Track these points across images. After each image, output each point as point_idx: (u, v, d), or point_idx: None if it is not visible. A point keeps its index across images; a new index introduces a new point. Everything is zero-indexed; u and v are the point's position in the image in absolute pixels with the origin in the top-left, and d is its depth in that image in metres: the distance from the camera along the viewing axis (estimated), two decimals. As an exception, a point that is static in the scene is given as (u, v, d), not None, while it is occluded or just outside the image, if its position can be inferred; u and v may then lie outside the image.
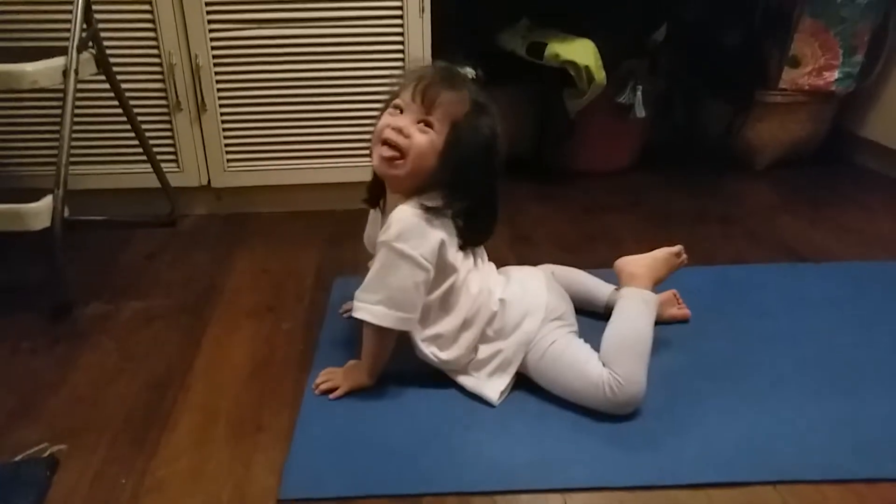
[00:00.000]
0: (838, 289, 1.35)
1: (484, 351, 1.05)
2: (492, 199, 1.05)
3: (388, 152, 0.99)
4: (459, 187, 1.00)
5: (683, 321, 1.24)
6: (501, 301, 1.06)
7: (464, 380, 1.05)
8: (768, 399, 1.03)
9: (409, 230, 0.97)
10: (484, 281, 1.07)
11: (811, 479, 0.88)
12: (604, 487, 0.88)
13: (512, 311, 1.05)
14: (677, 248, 1.14)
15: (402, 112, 1.00)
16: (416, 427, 0.98)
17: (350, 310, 1.09)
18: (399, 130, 0.98)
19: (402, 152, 0.98)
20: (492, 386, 1.03)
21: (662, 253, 1.14)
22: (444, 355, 1.04)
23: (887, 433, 0.95)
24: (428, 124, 0.99)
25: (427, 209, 0.99)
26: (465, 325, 1.04)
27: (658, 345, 1.06)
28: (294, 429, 0.98)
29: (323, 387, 1.05)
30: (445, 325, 1.04)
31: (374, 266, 1.00)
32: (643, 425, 0.98)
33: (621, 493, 0.87)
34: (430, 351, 1.04)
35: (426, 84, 0.99)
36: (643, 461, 0.91)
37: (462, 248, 1.04)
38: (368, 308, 1.00)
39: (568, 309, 1.11)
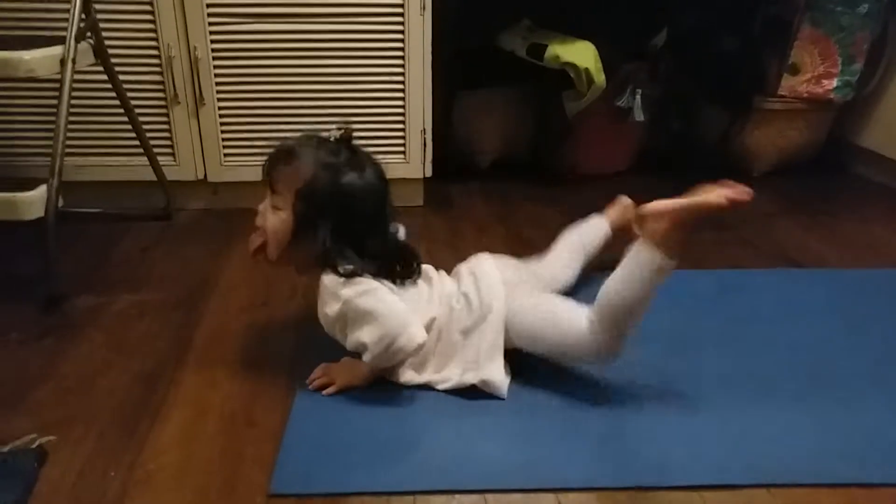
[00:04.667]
0: (832, 296, 1.35)
1: (468, 346, 1.05)
2: (383, 244, 1.03)
3: (253, 244, 1.05)
4: (340, 247, 0.99)
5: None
6: (464, 294, 1.07)
7: (465, 377, 1.03)
8: (762, 403, 1.02)
9: (348, 281, 0.98)
10: (440, 292, 1.09)
11: (804, 483, 0.87)
12: (597, 487, 0.87)
13: (475, 300, 1.06)
14: (715, 196, 1.00)
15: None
16: (407, 424, 0.98)
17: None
18: (257, 214, 1.04)
19: (265, 236, 1.03)
20: (491, 371, 1.02)
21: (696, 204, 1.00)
22: (424, 377, 1.05)
23: (880, 438, 0.95)
24: (276, 205, 1.02)
25: (340, 275, 0.99)
26: (439, 336, 1.06)
27: (652, 348, 1.05)
28: (285, 424, 0.97)
29: (317, 382, 1.05)
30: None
31: (350, 329, 1.00)
32: (638, 427, 0.97)
33: (615, 493, 0.86)
34: (423, 378, 1.05)
35: (264, 166, 1.03)
36: (637, 462, 0.91)
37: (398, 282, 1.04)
38: (376, 359, 0.99)
39: (528, 275, 1.13)
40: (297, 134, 1.06)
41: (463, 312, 1.06)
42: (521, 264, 1.16)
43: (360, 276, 0.99)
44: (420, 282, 1.10)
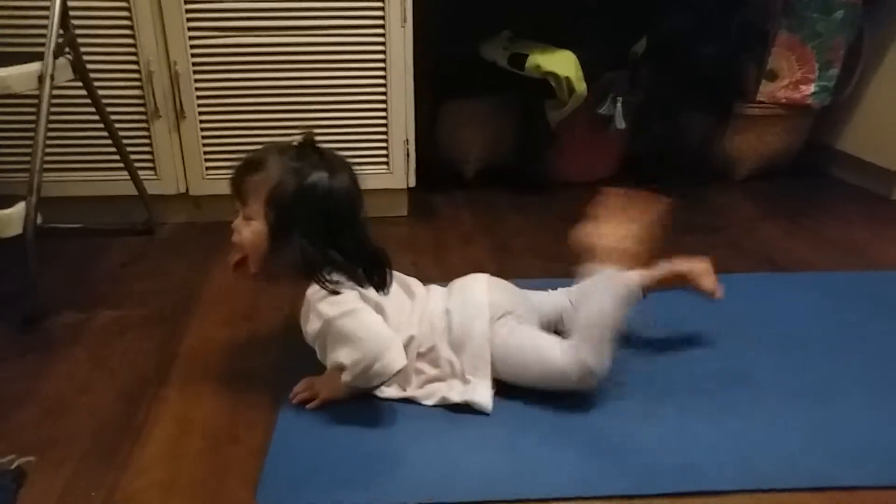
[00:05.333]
0: (816, 298, 1.36)
1: (455, 363, 1.05)
2: (359, 245, 1.02)
3: (232, 259, 1.05)
4: (318, 253, 0.98)
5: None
6: (447, 311, 1.07)
7: (451, 395, 1.03)
8: (748, 408, 1.03)
9: (330, 298, 0.97)
10: (423, 308, 1.08)
11: (791, 488, 0.88)
12: (584, 497, 0.87)
13: (458, 318, 1.06)
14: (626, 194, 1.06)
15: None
16: (392, 438, 0.97)
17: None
18: (233, 230, 1.04)
19: (244, 250, 1.03)
20: (479, 392, 1.02)
21: (623, 212, 1.06)
22: (408, 392, 1.05)
23: (866, 441, 0.96)
24: (248, 216, 1.01)
25: (324, 287, 0.97)
26: (420, 354, 1.05)
27: (638, 353, 1.06)
28: (270, 440, 0.96)
29: (300, 397, 1.04)
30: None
31: (329, 349, 0.99)
32: (624, 434, 0.97)
33: (602, 501, 0.86)
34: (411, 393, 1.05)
35: (230, 179, 1.03)
36: (624, 470, 0.91)
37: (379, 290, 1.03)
38: (354, 380, 0.98)
39: (518, 301, 1.11)
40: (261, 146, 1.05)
41: (445, 330, 1.06)
42: (516, 290, 1.14)
43: (341, 292, 0.97)
44: (402, 294, 1.09)
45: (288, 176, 0.98)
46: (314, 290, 0.98)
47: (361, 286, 1.00)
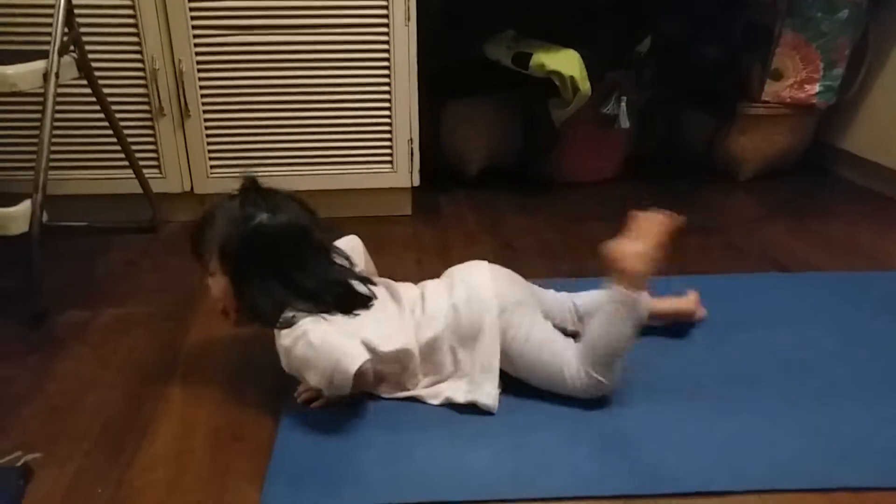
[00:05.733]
0: (819, 299, 1.36)
1: (462, 361, 1.05)
2: (319, 276, 1.02)
3: (218, 307, 1.06)
4: (280, 288, 0.99)
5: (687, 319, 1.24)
6: (453, 307, 1.05)
7: (456, 395, 1.03)
8: (749, 408, 1.03)
9: (286, 330, 0.97)
10: (420, 312, 1.07)
11: (792, 488, 0.88)
12: (588, 496, 0.87)
13: (465, 313, 1.04)
14: (661, 217, 1.04)
15: None
16: (397, 436, 0.97)
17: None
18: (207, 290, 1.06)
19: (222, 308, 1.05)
20: (485, 392, 1.02)
21: (654, 235, 1.03)
22: (413, 392, 1.05)
23: (868, 442, 0.96)
24: (211, 272, 1.03)
25: (285, 324, 0.98)
26: (429, 352, 1.05)
27: (639, 354, 1.05)
28: (274, 438, 0.97)
29: (304, 396, 1.04)
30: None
31: (302, 375, 1.00)
32: (625, 435, 0.97)
33: (606, 501, 0.86)
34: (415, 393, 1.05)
35: (189, 243, 1.05)
36: (625, 471, 0.91)
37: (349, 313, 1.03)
38: (333, 393, 0.99)
39: (524, 291, 1.10)
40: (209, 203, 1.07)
41: (451, 328, 1.05)
42: (518, 279, 1.13)
43: (295, 320, 0.97)
44: (391, 303, 1.08)
45: (233, 226, 1.00)
46: (282, 337, 0.99)
47: (329, 314, 1.00)
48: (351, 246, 1.15)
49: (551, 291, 1.21)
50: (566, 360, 1.02)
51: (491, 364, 1.03)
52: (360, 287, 1.06)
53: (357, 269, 1.10)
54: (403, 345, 1.03)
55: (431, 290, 1.10)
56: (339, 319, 1.00)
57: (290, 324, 0.97)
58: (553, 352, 1.03)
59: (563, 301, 1.19)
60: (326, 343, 0.95)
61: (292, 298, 0.99)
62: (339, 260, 1.08)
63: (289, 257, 1.01)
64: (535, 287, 1.18)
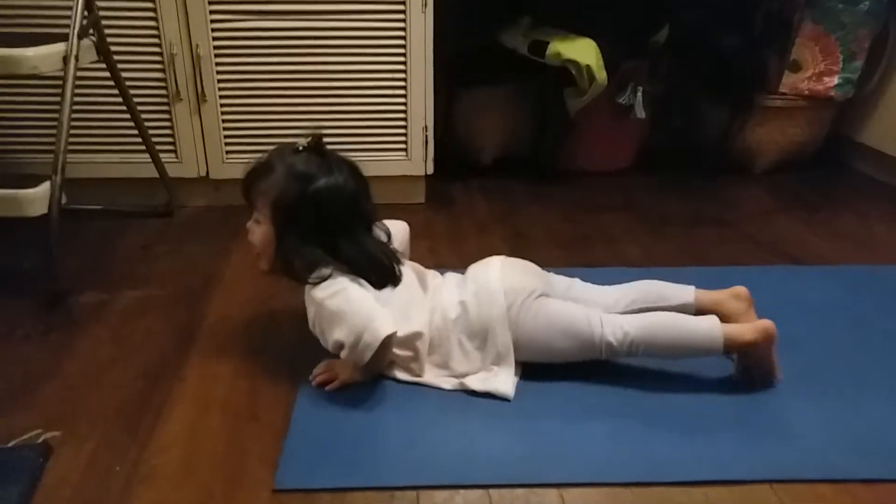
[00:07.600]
0: (833, 292, 1.35)
1: (472, 353, 1.06)
2: (362, 245, 1.05)
3: (254, 251, 1.09)
4: (320, 249, 1.03)
5: None
6: (462, 303, 1.07)
7: (471, 382, 1.04)
8: (764, 399, 1.03)
9: (322, 284, 1.01)
10: (436, 300, 1.10)
11: (807, 479, 0.88)
12: (600, 483, 0.88)
13: (474, 309, 1.06)
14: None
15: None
16: (410, 420, 0.98)
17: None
18: (248, 231, 1.09)
19: (255, 249, 1.09)
20: (500, 381, 1.03)
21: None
22: (427, 379, 1.06)
23: (882, 435, 0.96)
24: (258, 219, 1.07)
25: (321, 278, 1.01)
26: (432, 345, 1.07)
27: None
28: (289, 420, 0.98)
29: (320, 378, 1.05)
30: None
31: (326, 331, 1.01)
32: (640, 422, 0.98)
33: (618, 488, 0.87)
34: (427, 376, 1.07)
35: (241, 184, 1.08)
36: (640, 457, 0.91)
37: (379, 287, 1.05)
38: (352, 357, 1.00)
39: (536, 280, 1.10)
40: (270, 149, 1.09)
41: (460, 322, 1.07)
42: (533, 268, 1.14)
43: (333, 276, 1.01)
44: (417, 287, 1.10)
45: (292, 182, 1.03)
46: (313, 291, 1.02)
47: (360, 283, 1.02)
48: (397, 228, 1.18)
49: (593, 287, 1.18)
50: (590, 313, 1.05)
51: (507, 353, 1.04)
52: (392, 264, 1.08)
53: (392, 248, 1.12)
54: (420, 328, 1.05)
55: (449, 283, 1.14)
56: (370, 289, 1.03)
57: (325, 278, 1.00)
58: (569, 314, 1.05)
59: (608, 293, 1.16)
60: (364, 302, 0.99)
61: (329, 261, 1.02)
62: (379, 234, 1.11)
63: (336, 223, 1.04)
64: (577, 281, 1.18)
